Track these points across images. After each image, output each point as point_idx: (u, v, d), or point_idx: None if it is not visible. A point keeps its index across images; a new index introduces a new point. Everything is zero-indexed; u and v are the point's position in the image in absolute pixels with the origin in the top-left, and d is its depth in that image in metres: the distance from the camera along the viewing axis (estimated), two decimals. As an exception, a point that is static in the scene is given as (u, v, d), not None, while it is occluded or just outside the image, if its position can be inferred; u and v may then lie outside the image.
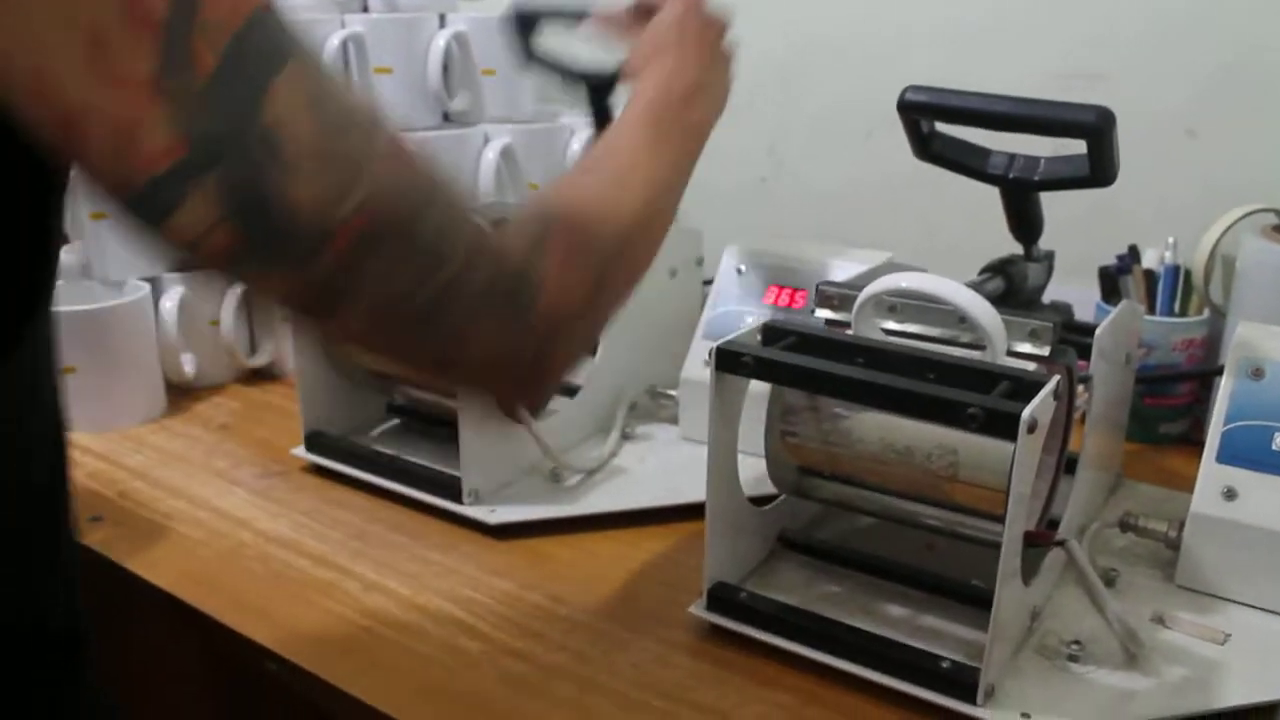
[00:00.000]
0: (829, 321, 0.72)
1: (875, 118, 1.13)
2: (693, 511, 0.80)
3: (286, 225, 0.44)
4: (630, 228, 0.59)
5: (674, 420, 0.95)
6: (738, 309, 0.91)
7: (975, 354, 0.65)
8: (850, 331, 0.69)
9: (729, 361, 0.64)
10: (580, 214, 0.56)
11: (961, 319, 0.67)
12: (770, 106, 1.21)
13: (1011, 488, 0.58)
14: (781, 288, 0.90)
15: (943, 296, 0.64)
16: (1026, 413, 0.55)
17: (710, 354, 0.64)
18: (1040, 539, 0.67)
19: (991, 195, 0.77)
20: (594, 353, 0.89)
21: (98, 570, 0.78)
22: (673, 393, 0.95)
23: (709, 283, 0.98)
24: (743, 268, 0.92)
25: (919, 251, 1.11)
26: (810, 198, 1.21)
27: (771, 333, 0.67)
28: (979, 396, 0.58)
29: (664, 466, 0.88)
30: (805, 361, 0.62)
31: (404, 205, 0.47)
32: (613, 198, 0.59)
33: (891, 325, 0.69)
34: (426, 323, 0.49)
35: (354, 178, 0.45)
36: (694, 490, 0.82)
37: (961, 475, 0.62)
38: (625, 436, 0.93)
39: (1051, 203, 0.78)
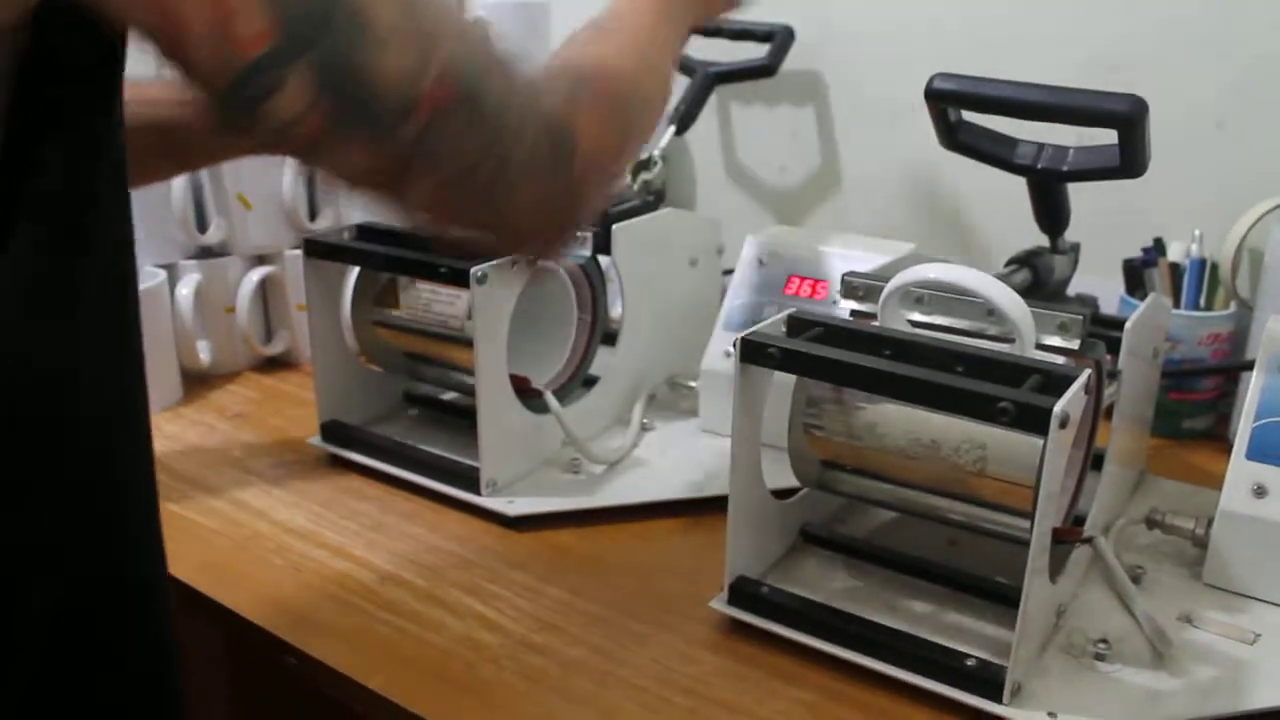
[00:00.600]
0: (854, 313, 0.71)
1: (899, 105, 1.12)
2: (713, 504, 0.79)
3: (377, 99, 0.47)
4: (650, 90, 0.65)
5: (693, 411, 0.94)
6: (758, 299, 0.90)
7: (1004, 347, 0.64)
8: (876, 323, 0.67)
9: (754, 353, 0.63)
10: (613, 71, 0.61)
11: (990, 311, 0.66)
12: (793, 92, 1.19)
13: (1041, 484, 0.57)
14: (803, 278, 0.89)
15: (972, 288, 0.63)
16: (1058, 407, 0.54)
17: (735, 345, 0.63)
18: (1068, 536, 0.66)
19: (1014, 185, 0.76)
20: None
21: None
22: (692, 384, 0.94)
23: (729, 272, 0.97)
24: (763, 258, 0.91)
25: (941, 242, 1.10)
26: (832, 186, 1.19)
27: (796, 324, 0.66)
28: (1010, 390, 0.56)
29: (684, 458, 0.87)
30: (832, 353, 0.61)
31: (472, 76, 0.50)
32: (637, 62, 0.63)
33: (918, 317, 0.68)
34: (489, 187, 0.53)
35: (433, 50, 0.48)
36: (714, 483, 0.82)
37: (989, 470, 0.61)
38: (644, 428, 0.92)
39: (1075, 194, 0.77)
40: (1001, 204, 0.85)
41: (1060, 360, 0.63)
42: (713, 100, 1.18)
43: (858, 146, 1.17)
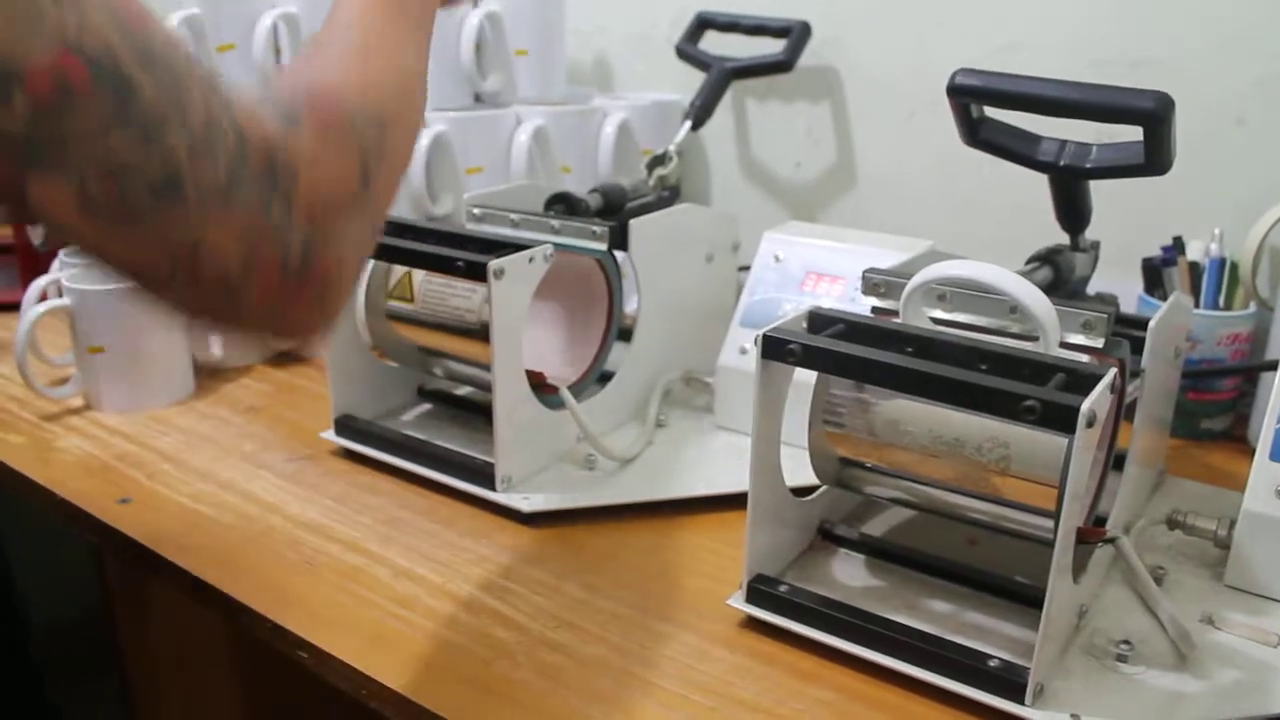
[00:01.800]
0: (875, 309, 0.70)
1: (916, 101, 1.11)
2: (729, 501, 0.79)
3: None
4: (386, 104, 0.53)
5: (708, 408, 0.93)
6: (775, 296, 0.89)
7: (1027, 345, 0.63)
8: (898, 320, 0.67)
9: (776, 349, 0.62)
10: (333, 87, 0.50)
11: (1013, 309, 0.65)
12: (809, 88, 1.19)
13: (1067, 483, 0.56)
14: (820, 275, 0.88)
15: (997, 286, 0.62)
16: (1085, 406, 0.54)
17: (756, 341, 0.63)
18: (1092, 536, 0.65)
19: (1030, 183, 0.75)
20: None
21: (126, 554, 0.77)
22: (708, 380, 0.93)
23: (745, 269, 0.96)
24: (780, 254, 0.91)
25: (957, 239, 1.09)
26: (847, 183, 1.19)
27: (818, 320, 0.66)
28: (1036, 389, 0.56)
29: (699, 455, 0.87)
30: (854, 350, 0.60)
31: (124, 52, 0.41)
32: (363, 72, 0.53)
33: (940, 314, 0.68)
34: (160, 204, 0.42)
35: (52, 12, 0.39)
36: (730, 480, 0.81)
37: (1013, 469, 0.61)
38: (659, 424, 0.91)
39: (1093, 191, 0.76)
40: (1018, 201, 0.85)
41: (1084, 359, 0.63)
42: (728, 96, 1.18)
43: (874, 143, 1.16)
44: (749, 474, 0.65)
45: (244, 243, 0.44)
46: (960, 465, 0.63)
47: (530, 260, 0.78)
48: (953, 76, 0.72)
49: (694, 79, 1.15)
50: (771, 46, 1.14)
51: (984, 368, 0.60)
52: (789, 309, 0.88)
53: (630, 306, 0.93)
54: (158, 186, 0.42)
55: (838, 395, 0.66)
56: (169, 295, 0.45)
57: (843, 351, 0.60)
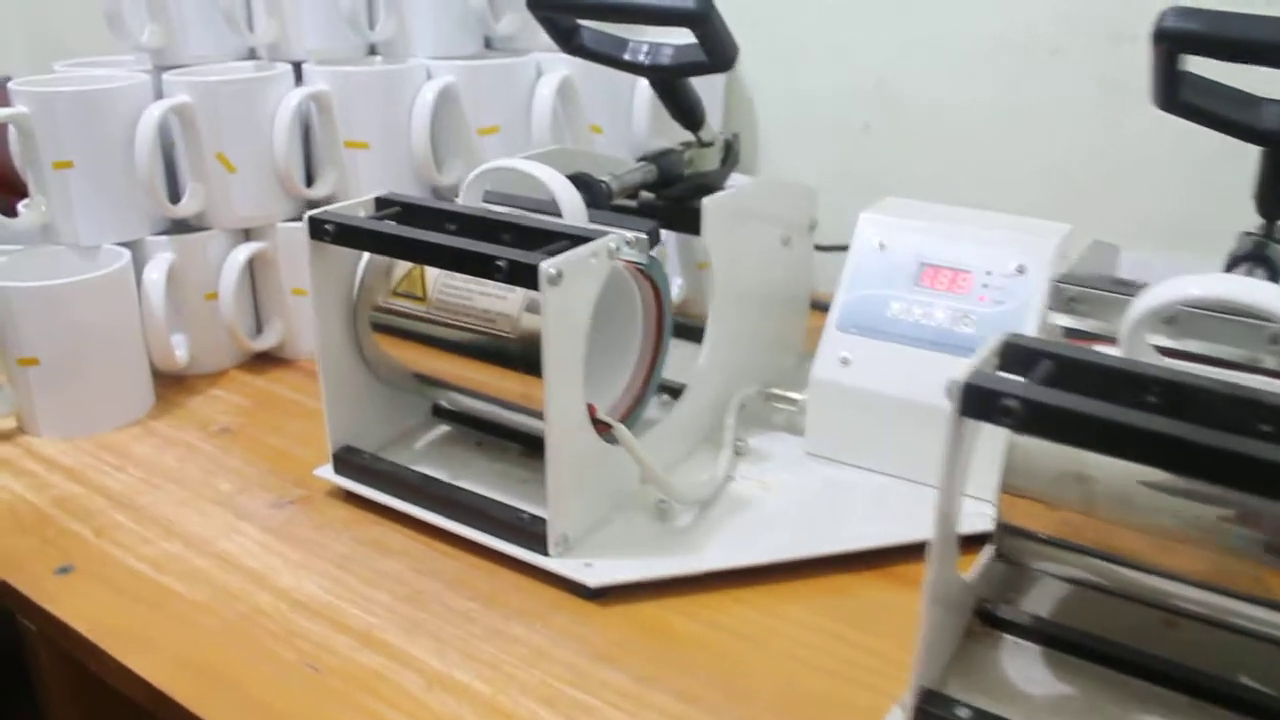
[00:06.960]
0: (1068, 331, 0.53)
1: (1010, 45, 0.93)
2: (847, 562, 0.62)
3: None
4: None
5: (789, 426, 0.76)
6: (882, 293, 0.72)
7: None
8: (1117, 350, 0.50)
9: (983, 404, 0.44)
10: None
11: (1275, 338, 0.48)
12: (879, 33, 1.00)
13: None
14: (938, 268, 0.71)
15: (1269, 309, 0.45)
16: None
17: (951, 392, 0.45)
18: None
19: (1161, 150, 0.59)
20: None
21: (61, 645, 0.59)
22: (795, 396, 0.76)
23: (820, 249, 0.79)
24: (885, 241, 0.73)
25: (1059, 214, 0.91)
26: (925, 147, 1.00)
27: (1014, 354, 0.48)
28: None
29: (796, 494, 0.69)
30: (1096, 410, 0.43)
31: None
32: None
33: (1164, 342, 0.51)
34: None
35: None
36: (847, 531, 0.65)
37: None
38: (738, 451, 0.74)
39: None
40: (1133, 171, 0.68)
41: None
42: (780, 43, 0.99)
43: (959, 98, 0.98)
44: (929, 558, 0.48)
45: None
46: (1219, 555, 0.46)
47: (593, 257, 0.60)
48: (1160, 17, 0.54)
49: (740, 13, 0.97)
50: None
51: (1267, 429, 0.43)
52: (900, 309, 0.71)
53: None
54: None
55: (1039, 455, 0.49)
56: None
57: (1083, 412, 0.43)
